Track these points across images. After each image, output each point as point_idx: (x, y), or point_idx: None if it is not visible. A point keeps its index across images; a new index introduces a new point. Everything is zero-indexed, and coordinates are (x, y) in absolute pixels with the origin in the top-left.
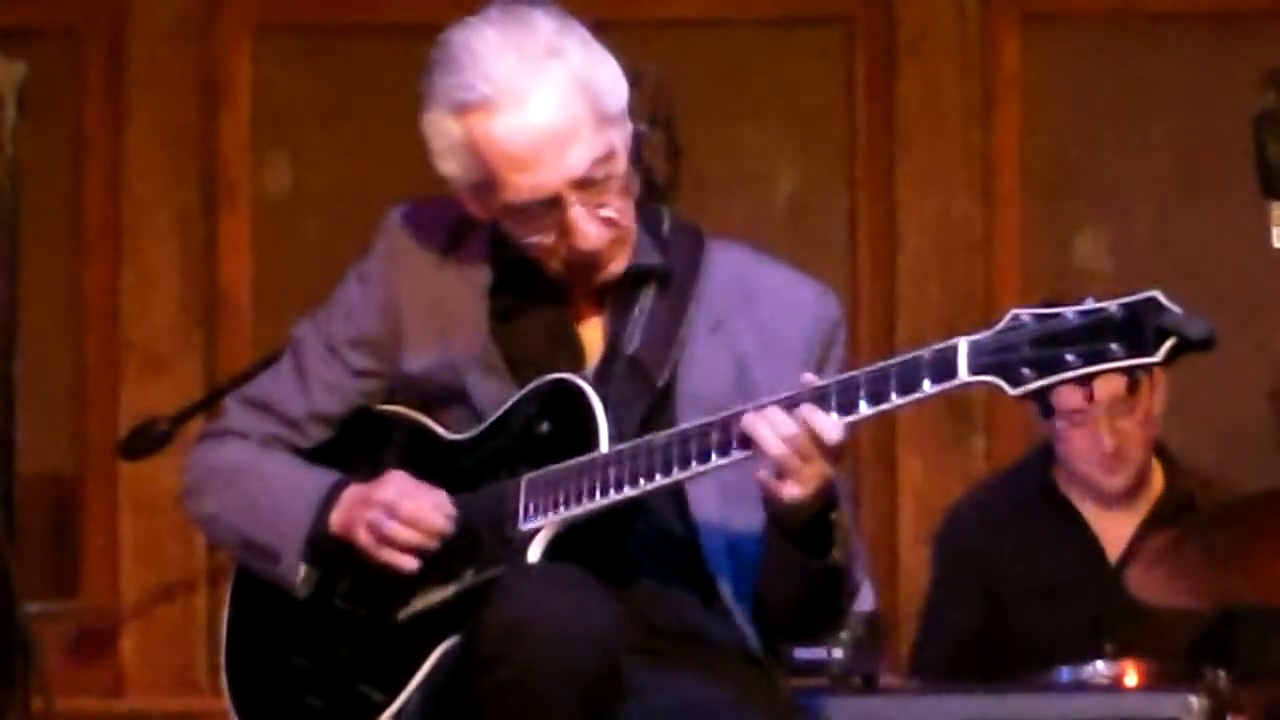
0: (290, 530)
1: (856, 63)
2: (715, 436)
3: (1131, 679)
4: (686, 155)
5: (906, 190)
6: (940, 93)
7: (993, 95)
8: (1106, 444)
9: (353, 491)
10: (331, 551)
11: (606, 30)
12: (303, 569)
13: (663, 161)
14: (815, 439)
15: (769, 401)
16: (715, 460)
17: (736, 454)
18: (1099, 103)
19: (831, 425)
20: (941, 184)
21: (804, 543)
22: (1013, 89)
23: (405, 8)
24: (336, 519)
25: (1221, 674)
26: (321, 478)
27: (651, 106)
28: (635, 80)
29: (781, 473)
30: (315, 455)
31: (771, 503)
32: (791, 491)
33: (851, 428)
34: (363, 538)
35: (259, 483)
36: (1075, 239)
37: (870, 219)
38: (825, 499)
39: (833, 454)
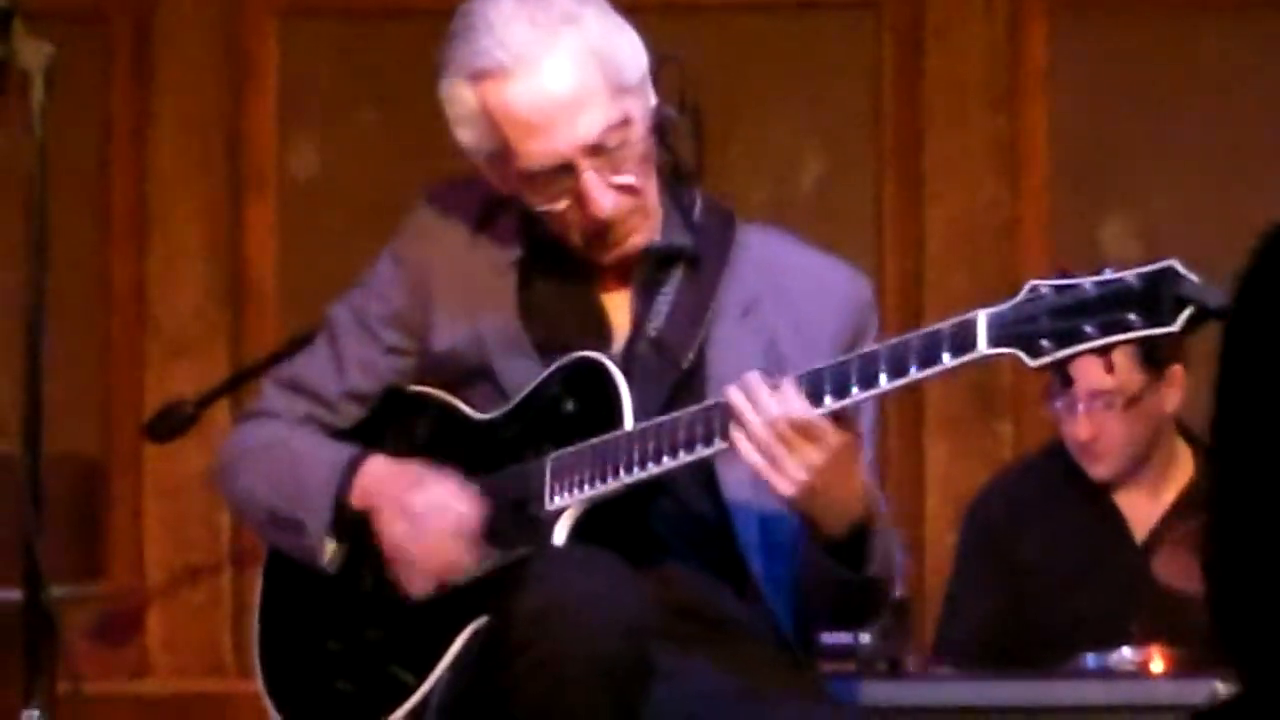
0: (313, 501)
1: (883, 48)
2: None
3: (1158, 665)
4: (710, 141)
5: (933, 177)
6: (967, 78)
7: (1020, 81)
8: (1081, 433)
9: (377, 471)
10: (356, 525)
11: (631, 14)
12: (328, 542)
13: (689, 147)
14: (791, 421)
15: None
16: None
17: None
18: (1127, 89)
19: (799, 402)
20: (968, 170)
21: (842, 554)
22: (1040, 75)
23: None
24: (358, 497)
25: None
26: (341, 449)
27: (678, 92)
28: (660, 65)
29: (766, 459)
30: (347, 436)
31: (793, 507)
32: (780, 486)
33: (848, 411)
34: (387, 547)
35: (286, 458)
36: (1103, 225)
37: (896, 205)
38: (863, 512)
39: (809, 436)
